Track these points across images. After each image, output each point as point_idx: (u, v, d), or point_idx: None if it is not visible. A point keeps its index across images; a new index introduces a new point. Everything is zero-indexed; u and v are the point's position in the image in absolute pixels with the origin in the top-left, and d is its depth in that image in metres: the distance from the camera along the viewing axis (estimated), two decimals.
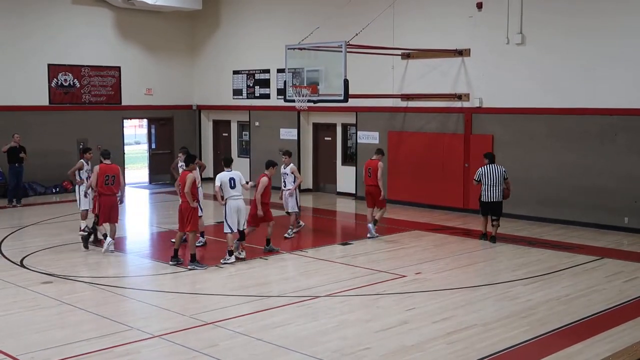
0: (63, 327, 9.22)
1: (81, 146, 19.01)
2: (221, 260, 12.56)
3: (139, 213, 19.52)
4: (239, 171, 12.99)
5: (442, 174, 18.22)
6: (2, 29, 21.08)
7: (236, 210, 12.54)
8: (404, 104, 19.12)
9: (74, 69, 22.57)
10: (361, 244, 14.34)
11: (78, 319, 9.54)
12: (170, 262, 12.46)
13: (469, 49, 17.70)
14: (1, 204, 19.64)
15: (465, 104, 17.90)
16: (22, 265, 12.61)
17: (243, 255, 12.91)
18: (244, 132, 24.42)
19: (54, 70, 22.15)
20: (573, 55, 15.98)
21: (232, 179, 12.58)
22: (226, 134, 24.97)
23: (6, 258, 13.13)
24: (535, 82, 16.65)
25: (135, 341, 8.61)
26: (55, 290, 10.95)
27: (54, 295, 10.64)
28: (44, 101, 22.03)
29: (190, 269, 12.11)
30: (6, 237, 15.10)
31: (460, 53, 17.80)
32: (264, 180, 13.22)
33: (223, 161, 13.13)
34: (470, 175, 17.28)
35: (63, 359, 8.00)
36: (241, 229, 12.71)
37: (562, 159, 16.31)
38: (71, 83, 22.52)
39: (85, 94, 22.83)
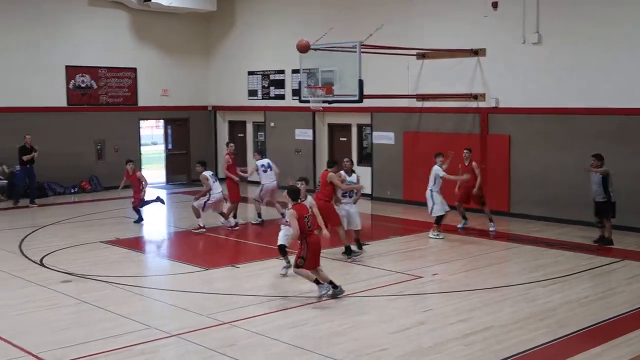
0: (82, 326, 9.30)
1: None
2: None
3: (157, 213, 19.59)
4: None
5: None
6: (20, 31, 21.25)
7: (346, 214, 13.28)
8: (419, 104, 19.08)
9: (91, 71, 22.72)
10: (377, 245, 14.29)
11: (96, 318, 9.61)
12: (349, 259, 12.72)
13: (485, 49, 17.63)
14: (8, 204, 19.83)
15: (482, 104, 17.83)
16: (41, 264, 12.73)
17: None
18: (259, 133, 24.48)
19: (71, 71, 22.31)
20: (590, 54, 15.87)
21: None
22: (242, 135, 25.03)
23: (26, 257, 13.28)
24: (552, 82, 16.56)
25: (153, 340, 8.67)
26: (74, 289, 11.05)
27: (72, 294, 10.74)
28: (62, 102, 22.20)
29: (349, 261, 12.59)
30: (26, 236, 15.23)
31: (475, 53, 17.74)
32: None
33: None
34: (489, 175, 17.25)
35: (81, 357, 8.08)
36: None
37: (580, 159, 16.11)
38: (88, 84, 22.67)
39: (102, 95, 22.98)
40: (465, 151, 15.68)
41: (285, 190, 10.67)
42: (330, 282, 10.40)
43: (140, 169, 23.96)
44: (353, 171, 13.59)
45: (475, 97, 17.82)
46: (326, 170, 13.29)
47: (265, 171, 16.33)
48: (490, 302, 10.30)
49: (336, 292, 10.35)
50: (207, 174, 15.76)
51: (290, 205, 10.43)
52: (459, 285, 11.25)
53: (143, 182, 16.81)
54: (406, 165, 19.49)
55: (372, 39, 16.04)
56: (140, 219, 16.81)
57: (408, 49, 18.09)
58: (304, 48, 14.85)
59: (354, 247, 13.17)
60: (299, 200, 10.60)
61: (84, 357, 8.09)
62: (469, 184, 15.44)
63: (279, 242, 11.82)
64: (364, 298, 10.60)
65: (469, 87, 17.99)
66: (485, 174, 17.42)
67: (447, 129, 18.57)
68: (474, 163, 15.53)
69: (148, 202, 17.03)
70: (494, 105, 17.60)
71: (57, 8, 21.90)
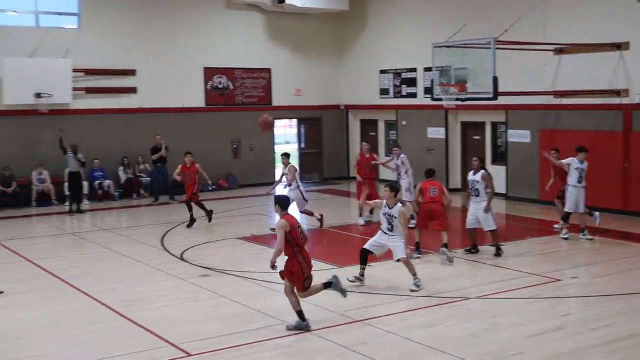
0: (219, 319, 9.63)
1: None
2: None
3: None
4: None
5: (599, 174, 17.27)
6: (162, 35, 22.36)
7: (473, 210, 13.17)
8: (557, 101, 18.38)
9: (228, 72, 23.54)
10: (512, 246, 13.88)
11: (233, 312, 9.93)
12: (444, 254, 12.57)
13: (629, 43, 16.71)
14: (150, 201, 20.83)
15: (625, 101, 16.93)
16: (182, 259, 13.32)
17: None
18: (391, 132, 24.44)
19: (209, 73, 23.22)
20: None
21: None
22: (373, 134, 25.10)
23: (168, 252, 13.94)
24: None
25: (287, 336, 8.86)
26: (212, 283, 11.48)
27: (211, 288, 11.17)
28: (201, 103, 23.15)
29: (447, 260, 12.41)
30: (168, 232, 16.00)
31: (618, 47, 16.84)
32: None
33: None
34: (633, 175, 16.41)
35: (219, 350, 8.38)
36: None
37: None
38: (225, 85, 23.51)
39: (238, 96, 23.77)
40: (552, 152, 15.03)
41: (274, 199, 9.72)
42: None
43: (275, 167, 24.65)
44: (484, 169, 13.26)
45: (618, 93, 16.94)
46: (428, 180, 13.01)
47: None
48: (634, 308, 9.78)
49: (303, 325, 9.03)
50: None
51: (280, 215, 9.32)
52: (601, 289, 10.74)
53: (205, 176, 16.77)
54: (542, 165, 18.78)
55: (507, 35, 15.62)
56: (192, 221, 16.32)
57: (545, 44, 17.48)
58: (267, 127, 15.02)
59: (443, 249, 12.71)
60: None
61: (222, 349, 8.39)
62: (564, 182, 14.82)
63: (400, 256, 10.91)
64: (500, 300, 10.34)
65: (611, 82, 17.12)
66: (629, 174, 16.60)
67: (586, 127, 17.75)
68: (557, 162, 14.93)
69: (202, 207, 16.56)
70: (638, 102, 16.67)
71: (196, 12, 22.87)
